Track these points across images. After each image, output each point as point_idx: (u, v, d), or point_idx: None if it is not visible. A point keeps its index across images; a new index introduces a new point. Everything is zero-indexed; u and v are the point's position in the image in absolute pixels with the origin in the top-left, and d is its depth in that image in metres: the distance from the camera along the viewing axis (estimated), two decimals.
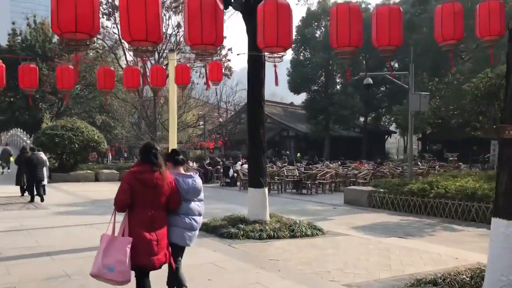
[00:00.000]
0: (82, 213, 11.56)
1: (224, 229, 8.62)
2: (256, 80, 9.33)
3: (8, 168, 26.59)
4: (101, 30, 33.94)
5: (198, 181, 4.61)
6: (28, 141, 26.49)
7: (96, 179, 23.03)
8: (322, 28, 41.94)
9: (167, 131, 31.68)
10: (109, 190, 18.86)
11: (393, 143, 71.48)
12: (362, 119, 47.04)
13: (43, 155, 15.71)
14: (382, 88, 50.81)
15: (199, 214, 4.62)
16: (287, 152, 39.65)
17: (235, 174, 21.03)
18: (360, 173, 19.05)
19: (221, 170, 21.64)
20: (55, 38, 43.83)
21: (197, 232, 4.61)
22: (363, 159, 39.85)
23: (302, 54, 42.87)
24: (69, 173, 22.15)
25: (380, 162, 30.58)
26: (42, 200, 13.64)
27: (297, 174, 18.19)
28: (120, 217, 4.28)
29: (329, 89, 41.83)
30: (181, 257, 4.65)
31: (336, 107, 40.02)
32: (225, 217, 9.66)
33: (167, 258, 4.27)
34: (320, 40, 40.51)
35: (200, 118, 30.66)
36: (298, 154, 39.58)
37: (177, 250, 4.49)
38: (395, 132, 61.98)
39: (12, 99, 45.15)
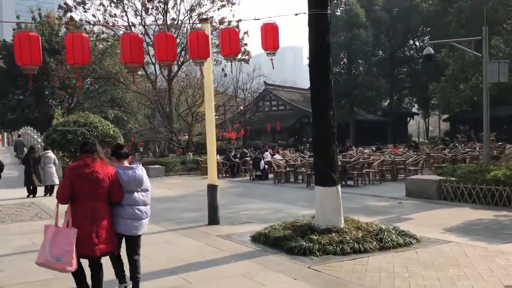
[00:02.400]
0: None
1: (293, 242, 6.61)
2: (321, 47, 7.29)
3: (20, 158, 27.50)
4: (110, 18, 31.99)
5: (139, 172, 4.68)
6: (39, 139, 24.72)
7: None
8: (342, 5, 39.50)
9: (186, 123, 29.90)
10: None
11: (412, 125, 68.89)
12: (384, 102, 44.63)
13: (51, 154, 16.01)
14: (403, 68, 48.40)
15: (144, 204, 4.74)
16: (310, 140, 37.53)
17: (266, 166, 19.05)
18: (409, 160, 16.96)
19: (250, 162, 19.64)
20: (62, 31, 42.08)
21: (144, 221, 4.76)
22: (389, 143, 37.85)
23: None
24: None
25: (415, 146, 28.43)
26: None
27: (339, 163, 16.09)
28: None
29: (353, 70, 39.54)
30: (137, 247, 4.79)
31: (361, 89, 37.75)
32: (285, 224, 7.67)
33: (110, 248, 4.46)
34: (342, 18, 38.12)
35: (220, 107, 28.63)
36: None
37: (126, 240, 4.71)
38: (417, 114, 59.56)
39: (21, 97, 43.62)
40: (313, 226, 7.21)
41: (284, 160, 18.51)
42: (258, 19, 9.56)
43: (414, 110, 58.73)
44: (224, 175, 21.24)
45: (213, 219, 8.80)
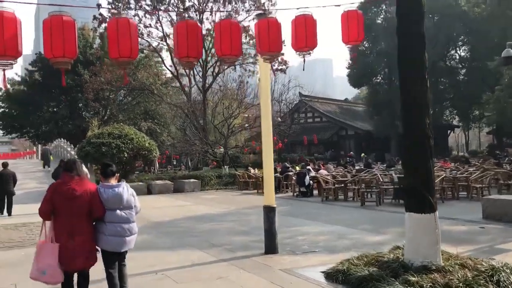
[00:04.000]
0: (146, 248, 8.43)
1: (385, 285, 5.19)
2: (413, 40, 5.95)
3: (49, 166, 29.20)
4: (143, 29, 31.42)
5: (119, 190, 4.76)
6: (72, 152, 24.06)
7: (149, 191, 20.26)
8: (383, 13, 37.91)
9: (222, 135, 28.82)
10: (168, 206, 15.97)
11: (450, 137, 66.02)
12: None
13: (84, 168, 13.98)
14: (444, 79, 46.22)
15: (127, 222, 4.79)
16: (351, 153, 35.87)
17: (311, 182, 17.64)
18: (472, 176, 15.25)
19: (294, 177, 18.27)
20: (96, 43, 42.02)
21: (128, 238, 4.81)
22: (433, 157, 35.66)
23: (362, 43, 39.03)
24: None
25: (466, 160, 26.47)
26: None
27: (396, 180, 14.56)
28: None
29: (394, 80, 37.75)
30: (123, 263, 5.00)
31: None
32: (365, 257, 6.26)
33: (89, 262, 4.63)
34: (382, 26, 36.55)
35: (257, 118, 27.40)
36: (363, 155, 35.81)
37: (108, 255, 4.79)
38: (458, 127, 56.98)
39: (55, 109, 43.66)
40: (404, 262, 5.78)
41: (330, 176, 17.05)
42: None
43: (454, 122, 56.27)
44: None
45: (271, 247, 7.47)
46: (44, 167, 30.16)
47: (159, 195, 19.79)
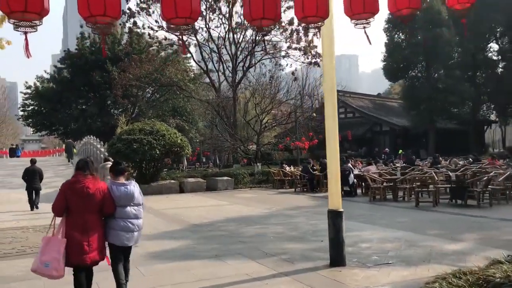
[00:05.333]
0: (190, 256, 7.42)
1: None
2: None
3: (72, 159, 30.24)
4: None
5: (131, 188, 5.01)
6: (102, 149, 23.41)
7: (181, 189, 19.38)
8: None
9: (254, 131, 27.80)
10: (203, 206, 14.88)
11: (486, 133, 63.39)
12: (467, 108, 40.39)
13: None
14: (483, 72, 44.01)
15: (136, 218, 5.06)
16: (387, 149, 34.35)
17: (355, 181, 16.42)
18: None
19: None
20: (124, 39, 41.54)
21: (136, 233, 5.08)
22: (471, 153, 33.92)
23: (396, 35, 37.36)
24: (150, 184, 18.59)
25: (507, 156, 24.74)
26: None
27: (454, 178, 13.22)
28: None
29: (432, 73, 36.03)
30: (128, 255, 5.29)
31: (442, 94, 34.10)
32: (466, 275, 5.06)
33: (100, 257, 4.82)
34: (420, 17, 34.81)
35: (291, 113, 26.25)
36: (400, 151, 34.21)
37: (116, 250, 5.03)
38: (495, 122, 54.51)
39: (84, 107, 43.44)
40: None
41: (377, 174, 15.78)
42: None
43: (491, 117, 53.87)
44: (302, 189, 18.80)
45: (337, 259, 6.35)
46: (68, 160, 30.78)
47: (192, 193, 18.91)
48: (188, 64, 42.21)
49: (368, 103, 44.69)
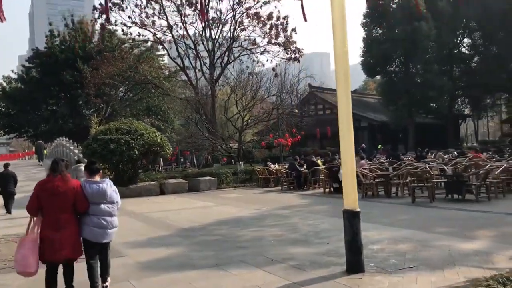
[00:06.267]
0: (186, 266, 6.65)
1: None
2: None
3: (43, 160, 30.06)
4: (146, 19, 29.53)
5: (103, 186, 5.13)
6: (76, 151, 22.25)
7: (162, 191, 18.48)
8: None
9: (236, 129, 27.01)
10: (189, 208, 13.89)
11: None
12: (444, 103, 40.56)
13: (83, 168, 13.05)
14: (457, 67, 44.39)
15: (109, 215, 5.17)
16: (363, 145, 34.08)
17: None
18: None
19: (324, 172, 16.52)
20: (96, 37, 40.10)
21: (110, 230, 5.17)
22: (450, 147, 34.10)
23: (374, 30, 37.13)
24: (128, 186, 17.62)
25: (499, 150, 24.78)
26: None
27: (450, 172, 12.82)
28: None
29: (411, 68, 35.93)
30: (106, 252, 5.29)
31: (421, 88, 34.08)
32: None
33: (74, 254, 4.96)
34: (399, 10, 34.71)
35: (273, 109, 25.58)
36: (380, 146, 34.06)
37: (90, 246, 5.11)
38: (469, 116, 55.25)
39: (54, 107, 41.80)
40: None
41: (368, 169, 15.28)
42: None
43: (465, 111, 54.61)
44: (289, 187, 18.18)
45: (356, 264, 5.70)
46: (39, 161, 30.53)
47: (174, 195, 18.05)
48: (162, 62, 41.12)
49: None
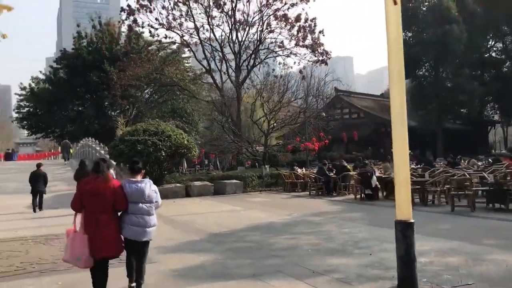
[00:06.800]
0: (221, 276, 6.28)
1: None
2: None
3: (68, 159, 30.57)
4: (173, 21, 29.43)
5: (141, 185, 5.25)
6: (102, 151, 22.21)
7: (187, 193, 18.25)
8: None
9: (262, 132, 26.65)
10: (216, 212, 13.53)
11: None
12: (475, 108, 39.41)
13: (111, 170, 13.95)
14: (488, 72, 43.14)
15: (148, 214, 5.27)
16: (392, 150, 33.23)
17: (377, 183, 15.34)
18: None
19: (355, 178, 16.00)
20: (122, 39, 40.32)
21: (149, 229, 5.27)
22: (481, 154, 33.06)
23: (403, 33, 36.27)
24: None
25: None
26: None
27: (492, 180, 12.17)
28: None
29: (441, 72, 35.00)
30: (143, 254, 5.35)
31: (450, 93, 33.15)
32: None
33: (113, 252, 5.14)
34: (429, 13, 33.89)
35: (300, 113, 25.11)
36: (409, 152, 33.19)
37: (129, 243, 5.22)
38: (499, 122, 53.73)
39: (80, 108, 42.14)
40: None
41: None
42: None
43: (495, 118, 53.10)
44: (317, 192, 17.69)
45: (409, 279, 5.24)
46: (65, 160, 30.31)
47: (199, 197, 17.80)
48: (187, 64, 41.09)
49: (372, 104, 43.70)
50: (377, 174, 15.80)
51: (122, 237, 5.21)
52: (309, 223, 10.77)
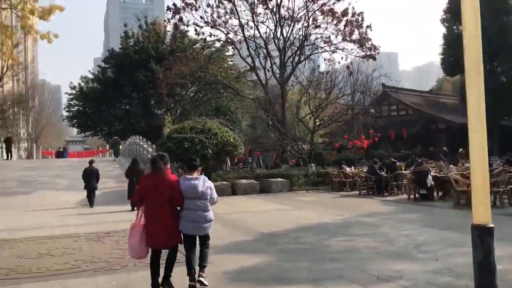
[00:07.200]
0: (279, 280, 5.97)
1: None
2: None
3: (117, 157, 30.34)
4: (218, 20, 29.41)
5: (195, 182, 5.38)
6: (150, 149, 22.43)
7: (233, 191, 18.09)
8: None
9: (308, 129, 26.20)
10: (265, 211, 13.19)
11: None
12: None
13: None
14: None
15: (203, 210, 5.41)
16: (444, 148, 31.99)
17: (433, 183, 14.58)
18: None
19: (408, 177, 15.30)
20: (168, 38, 40.84)
21: (204, 224, 5.44)
22: None
23: (455, 26, 34.84)
24: None
25: None
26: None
27: None
28: None
29: (495, 66, 33.29)
30: (206, 244, 5.56)
31: (506, 88, 31.44)
32: None
33: (171, 243, 5.38)
34: (483, 5, 32.25)
35: (348, 109, 24.46)
36: (460, 150, 31.79)
37: (186, 238, 5.47)
38: None
39: (128, 107, 43.04)
40: None
41: (460, 175, 13.88)
42: None
43: None
44: (367, 192, 17.07)
45: None
46: (116, 157, 30.36)
47: (245, 196, 17.60)
48: (231, 62, 41.11)
49: (421, 100, 42.27)
50: (433, 173, 15.01)
51: (181, 233, 5.42)
52: (363, 224, 10.29)
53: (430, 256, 6.85)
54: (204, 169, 18.26)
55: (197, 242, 5.61)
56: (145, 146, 23.70)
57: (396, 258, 6.84)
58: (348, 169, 20.07)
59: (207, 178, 5.57)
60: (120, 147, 32.86)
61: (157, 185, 5.27)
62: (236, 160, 33.72)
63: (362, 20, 27.26)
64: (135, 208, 13.75)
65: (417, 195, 14.60)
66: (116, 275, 6.29)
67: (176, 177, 5.46)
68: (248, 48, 30.23)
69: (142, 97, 41.40)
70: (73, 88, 43.09)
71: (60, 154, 42.92)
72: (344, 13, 26.49)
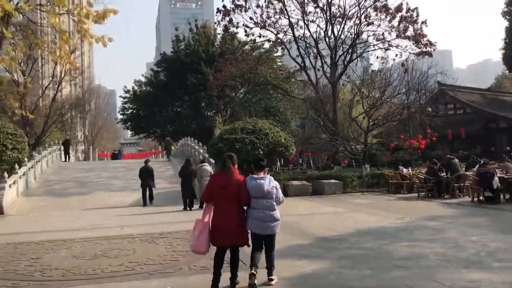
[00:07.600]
0: None
1: None
2: None
3: (170, 156, 30.97)
4: (267, 19, 29.22)
5: (261, 181, 5.53)
6: (201, 150, 22.51)
7: (285, 193, 17.65)
8: None
9: (361, 129, 25.44)
10: (319, 214, 12.74)
11: None
12: None
13: (207, 167, 15.04)
14: None
15: (269, 209, 5.54)
16: (508, 148, 30.14)
17: (499, 185, 13.61)
18: None
19: (472, 178, 14.39)
20: (218, 40, 41.14)
21: (271, 223, 5.54)
22: None
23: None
24: None
25: None
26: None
27: None
28: None
29: None
30: (270, 246, 5.64)
31: None
32: None
33: (240, 241, 5.46)
34: None
35: (404, 108, 23.47)
36: (508, 148, 29.92)
37: (253, 236, 5.56)
38: None
39: (179, 109, 43.74)
40: None
41: None
42: None
43: None
44: (427, 194, 16.24)
45: None
46: (168, 158, 30.82)
47: (297, 197, 17.26)
48: (280, 63, 40.84)
49: (479, 98, 40.11)
50: (499, 174, 14.04)
51: (249, 231, 5.53)
52: (426, 228, 9.67)
53: (508, 265, 6.24)
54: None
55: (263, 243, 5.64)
56: (196, 147, 23.82)
57: (468, 266, 6.27)
58: (405, 170, 19.25)
59: (272, 178, 5.69)
60: (172, 148, 33.36)
61: (226, 184, 5.44)
62: (290, 160, 33.33)
63: (417, 15, 26.28)
64: (188, 207, 14.15)
65: (481, 197, 13.69)
66: (170, 278, 6.12)
67: (243, 177, 5.60)
68: (298, 48, 29.86)
69: (193, 100, 41.92)
70: (127, 91, 44.29)
71: (115, 156, 44.13)
72: (398, 8, 25.59)
